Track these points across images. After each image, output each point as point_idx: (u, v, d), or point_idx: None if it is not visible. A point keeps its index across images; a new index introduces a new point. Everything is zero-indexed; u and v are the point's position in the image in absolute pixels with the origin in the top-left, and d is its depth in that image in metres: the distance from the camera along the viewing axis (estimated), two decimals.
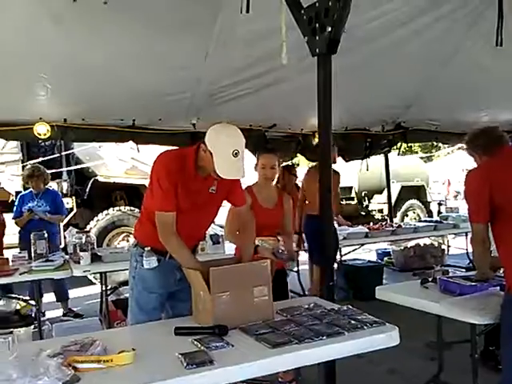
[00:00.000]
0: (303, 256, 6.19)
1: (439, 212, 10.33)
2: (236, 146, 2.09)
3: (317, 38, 2.47)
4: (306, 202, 4.81)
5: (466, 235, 6.38)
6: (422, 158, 15.39)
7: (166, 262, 2.32)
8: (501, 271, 2.48)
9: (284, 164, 6.56)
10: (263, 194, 3.08)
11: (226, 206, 2.62)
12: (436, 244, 7.45)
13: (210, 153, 2.09)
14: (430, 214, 11.46)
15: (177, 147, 3.00)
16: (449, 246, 7.90)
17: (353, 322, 1.95)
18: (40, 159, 6.50)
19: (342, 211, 5.42)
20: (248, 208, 2.57)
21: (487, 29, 3.48)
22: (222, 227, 7.95)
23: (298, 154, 6.56)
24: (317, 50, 2.48)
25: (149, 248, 2.32)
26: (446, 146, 14.07)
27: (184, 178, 2.20)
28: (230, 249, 4.44)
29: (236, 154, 2.07)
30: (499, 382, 2.24)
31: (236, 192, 2.43)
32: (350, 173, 11.34)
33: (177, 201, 2.19)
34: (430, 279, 2.82)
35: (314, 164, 4.58)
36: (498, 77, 4.73)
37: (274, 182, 3.56)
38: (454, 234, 6.93)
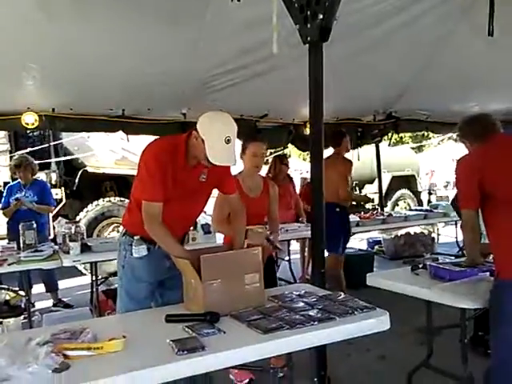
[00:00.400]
0: (294, 245, 6.22)
1: (429, 201, 10.41)
2: (228, 132, 2.08)
3: (308, 25, 2.45)
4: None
5: (456, 224, 6.44)
6: (412, 148, 15.44)
7: (156, 250, 2.31)
8: (490, 257, 2.50)
9: (275, 154, 6.57)
10: (248, 183, 3.07)
11: (212, 196, 2.60)
12: (426, 232, 7.51)
13: (202, 140, 2.08)
14: (420, 203, 11.54)
15: None
16: (439, 235, 7.98)
17: (344, 307, 1.96)
18: (28, 149, 6.43)
19: (352, 198, 5.51)
20: (238, 196, 2.57)
21: (479, 19, 3.47)
22: None
23: (290, 144, 6.55)
24: (308, 38, 2.46)
25: (138, 237, 2.31)
26: (436, 135, 14.14)
27: (174, 166, 2.19)
28: (221, 238, 4.44)
29: (228, 140, 2.06)
30: (488, 367, 2.26)
31: (226, 180, 2.43)
32: None
33: (166, 190, 2.17)
34: (420, 266, 2.84)
35: (329, 155, 4.70)
36: (490, 67, 4.73)
37: (265, 172, 3.55)
38: (444, 222, 7.00)
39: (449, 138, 14.63)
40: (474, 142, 2.40)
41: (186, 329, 1.80)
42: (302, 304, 2.04)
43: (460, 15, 3.97)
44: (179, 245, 2.22)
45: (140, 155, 2.24)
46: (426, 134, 14.75)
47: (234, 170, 2.96)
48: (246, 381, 3.20)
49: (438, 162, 14.88)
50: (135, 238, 2.31)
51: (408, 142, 18.77)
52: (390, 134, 7.11)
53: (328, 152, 5.00)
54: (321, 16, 2.37)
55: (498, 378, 2.20)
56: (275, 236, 3.07)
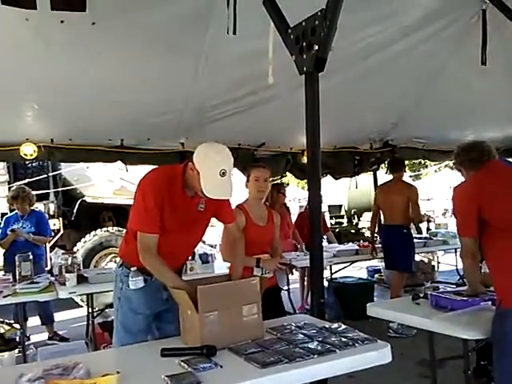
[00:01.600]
0: (293, 274, 6.15)
1: (428, 229, 10.37)
2: (223, 165, 2.06)
3: (304, 56, 2.48)
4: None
5: (456, 251, 6.40)
6: (410, 176, 15.51)
7: (153, 282, 2.27)
8: (491, 288, 2.47)
9: (273, 183, 6.57)
10: (255, 211, 3.03)
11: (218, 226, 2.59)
12: (426, 260, 7.45)
13: (198, 172, 2.07)
14: (419, 230, 11.49)
15: None
16: (439, 263, 7.91)
17: (344, 339, 1.91)
18: (27, 180, 6.43)
19: (421, 220, 5.91)
20: (237, 226, 2.55)
21: (472, 48, 3.54)
22: (211, 246, 7.88)
23: (288, 173, 6.57)
24: (304, 69, 2.50)
25: (135, 268, 2.27)
26: (433, 163, 14.24)
27: (171, 197, 2.17)
28: (219, 268, 4.40)
29: (223, 173, 2.04)
30: None
31: (224, 209, 2.41)
32: (340, 191, 11.41)
33: (163, 221, 2.16)
34: (421, 295, 2.80)
35: (388, 181, 5.29)
36: (483, 95, 4.80)
37: (263, 201, 3.53)
38: (444, 250, 6.95)
39: (446, 166, 14.71)
40: (470, 169, 2.41)
41: (182, 363, 1.75)
42: (301, 336, 1.99)
43: (454, 45, 4.05)
44: (175, 275, 2.19)
45: (137, 185, 2.24)
46: (422, 161, 14.86)
47: (239, 199, 2.96)
48: None
49: (436, 189, 14.92)
50: (132, 269, 2.28)
51: (405, 171, 18.82)
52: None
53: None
54: (316, 47, 2.40)
55: None
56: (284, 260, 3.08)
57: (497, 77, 4.26)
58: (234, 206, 2.71)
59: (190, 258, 4.24)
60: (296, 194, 13.01)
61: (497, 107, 5.15)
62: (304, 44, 2.47)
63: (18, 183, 6.21)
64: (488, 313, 2.29)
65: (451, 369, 3.03)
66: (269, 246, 3.06)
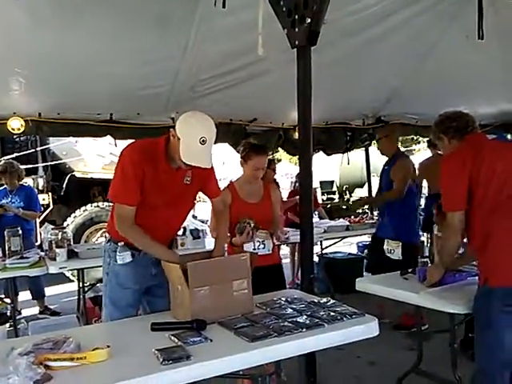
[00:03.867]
0: (284, 250, 6.21)
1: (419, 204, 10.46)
2: (205, 133, 2.03)
3: (296, 29, 2.45)
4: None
5: None
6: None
7: (141, 256, 2.27)
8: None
9: None
10: (246, 189, 3.00)
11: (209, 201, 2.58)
12: None
13: (178, 138, 2.04)
14: None
15: None
16: (428, 238, 7.98)
17: (332, 313, 1.94)
18: (15, 155, 6.35)
19: None
20: (222, 200, 2.55)
21: (468, 23, 3.48)
22: (202, 222, 7.85)
23: (280, 149, 6.53)
24: (296, 42, 2.46)
25: (122, 243, 2.26)
26: (425, 139, 14.20)
27: (155, 169, 2.14)
28: (210, 244, 4.41)
29: (203, 141, 2.01)
30: (474, 372, 2.23)
31: (210, 183, 2.39)
32: (331, 167, 11.41)
33: (149, 195, 2.14)
34: (409, 270, 2.83)
35: (432, 155, 5.67)
36: (477, 70, 4.76)
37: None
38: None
39: None
40: (453, 138, 2.32)
41: (172, 337, 1.76)
42: (290, 310, 2.01)
43: (448, 20, 3.99)
44: (159, 244, 2.18)
45: (118, 157, 2.21)
46: (415, 137, 14.84)
47: (234, 175, 2.93)
48: None
49: None
50: (119, 244, 2.27)
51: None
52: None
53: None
54: (308, 20, 2.37)
55: None
56: (277, 232, 3.05)
57: (491, 52, 4.22)
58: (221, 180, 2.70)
59: (180, 233, 4.25)
60: (288, 169, 12.99)
61: (491, 83, 5.11)
62: (296, 17, 2.43)
63: (5, 158, 6.12)
64: (475, 287, 2.31)
65: (439, 342, 3.10)
66: (268, 223, 2.97)
